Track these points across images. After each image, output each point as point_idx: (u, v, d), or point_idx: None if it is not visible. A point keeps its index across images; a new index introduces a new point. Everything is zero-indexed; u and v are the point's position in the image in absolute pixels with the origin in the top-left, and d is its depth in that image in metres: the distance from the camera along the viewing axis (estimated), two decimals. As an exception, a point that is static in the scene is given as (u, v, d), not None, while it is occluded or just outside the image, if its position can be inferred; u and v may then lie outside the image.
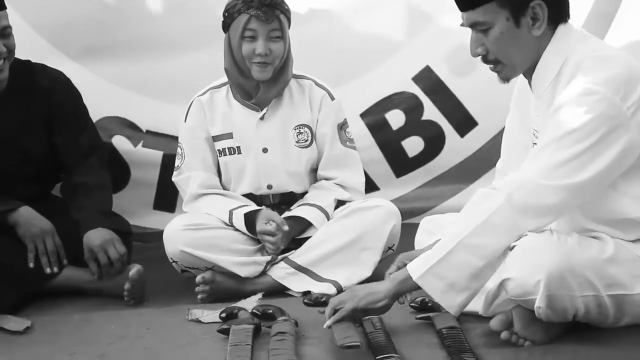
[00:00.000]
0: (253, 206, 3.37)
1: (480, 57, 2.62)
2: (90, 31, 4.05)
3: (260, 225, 3.28)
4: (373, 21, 4.19)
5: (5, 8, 3.27)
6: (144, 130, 4.13)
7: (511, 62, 2.58)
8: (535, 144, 2.66)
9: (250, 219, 3.30)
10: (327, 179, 3.49)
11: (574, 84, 2.47)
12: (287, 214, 3.36)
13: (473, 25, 2.57)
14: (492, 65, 2.61)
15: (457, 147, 4.25)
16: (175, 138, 3.66)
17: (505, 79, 2.63)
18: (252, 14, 3.29)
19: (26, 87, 3.44)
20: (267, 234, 3.27)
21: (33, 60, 3.51)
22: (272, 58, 3.33)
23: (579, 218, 2.57)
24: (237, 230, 3.33)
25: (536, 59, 2.58)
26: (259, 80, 3.37)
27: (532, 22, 2.52)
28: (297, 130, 3.44)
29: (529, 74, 2.62)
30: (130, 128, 4.12)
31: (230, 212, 3.32)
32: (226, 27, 3.38)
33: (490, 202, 2.50)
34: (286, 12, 3.35)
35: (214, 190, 3.44)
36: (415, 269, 2.52)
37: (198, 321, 2.98)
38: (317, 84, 3.50)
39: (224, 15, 3.37)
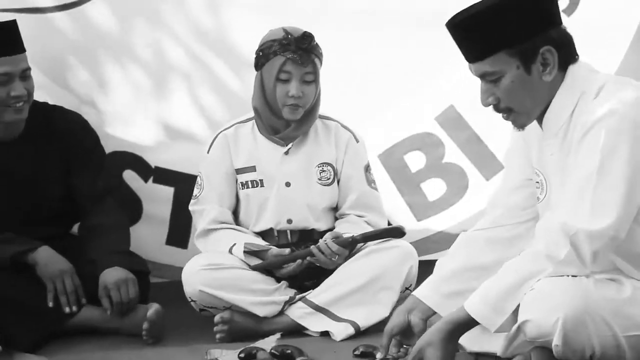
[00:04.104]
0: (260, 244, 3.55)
1: (492, 106, 2.71)
2: (92, 68, 4.12)
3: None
4: (395, 59, 4.14)
5: (25, 51, 3.46)
6: (153, 167, 4.15)
7: (525, 109, 2.68)
8: (538, 182, 2.80)
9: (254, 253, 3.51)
10: None
11: (597, 105, 2.57)
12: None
13: (483, 76, 2.67)
14: (504, 114, 2.71)
15: (482, 191, 4.15)
16: (186, 175, 3.87)
17: (521, 126, 2.74)
18: (288, 57, 3.49)
19: (43, 129, 3.65)
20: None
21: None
22: (304, 101, 3.54)
23: None
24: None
25: (548, 101, 2.68)
26: (289, 120, 3.58)
27: (542, 68, 2.63)
28: (320, 168, 3.63)
29: (539, 115, 2.73)
30: (139, 163, 4.15)
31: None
32: (259, 66, 3.56)
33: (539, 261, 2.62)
34: (320, 56, 3.55)
35: (225, 225, 3.61)
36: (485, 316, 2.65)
37: (217, 361, 3.14)
38: (342, 125, 3.69)
39: (257, 54, 3.56)
